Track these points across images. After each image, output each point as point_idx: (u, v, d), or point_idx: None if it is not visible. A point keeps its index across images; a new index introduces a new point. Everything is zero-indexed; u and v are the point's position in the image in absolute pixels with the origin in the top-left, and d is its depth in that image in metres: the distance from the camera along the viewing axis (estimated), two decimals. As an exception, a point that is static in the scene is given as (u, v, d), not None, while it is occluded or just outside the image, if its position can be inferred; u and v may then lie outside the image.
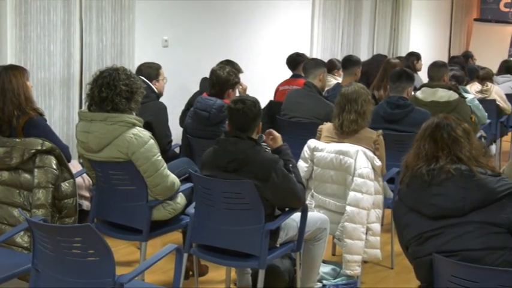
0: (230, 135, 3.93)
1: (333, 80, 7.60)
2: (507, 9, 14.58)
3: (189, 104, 6.06)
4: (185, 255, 4.07)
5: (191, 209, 4.20)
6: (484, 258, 2.81)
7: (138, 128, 4.20)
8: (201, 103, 5.20)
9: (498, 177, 2.92)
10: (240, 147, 3.86)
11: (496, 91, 8.43)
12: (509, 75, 9.18)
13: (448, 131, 3.02)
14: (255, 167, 3.83)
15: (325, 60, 7.97)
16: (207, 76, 5.49)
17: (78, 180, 4.97)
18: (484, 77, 8.57)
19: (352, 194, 4.61)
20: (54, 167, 4.13)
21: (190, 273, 4.80)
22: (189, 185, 4.48)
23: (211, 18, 7.60)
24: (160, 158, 4.25)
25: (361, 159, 4.62)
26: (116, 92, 4.16)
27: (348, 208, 4.61)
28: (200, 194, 4.08)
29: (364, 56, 10.28)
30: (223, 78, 5.23)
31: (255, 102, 3.97)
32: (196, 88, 6.52)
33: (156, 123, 5.26)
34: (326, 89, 6.79)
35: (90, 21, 6.16)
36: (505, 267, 2.80)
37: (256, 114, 3.96)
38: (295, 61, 7.40)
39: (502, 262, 2.82)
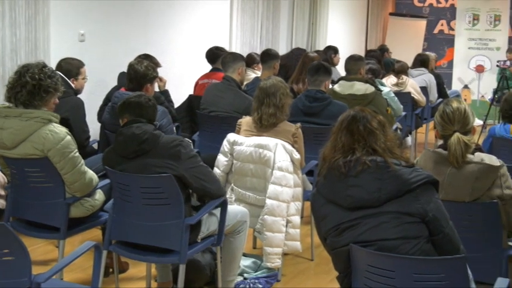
0: (131, 124, 3.98)
1: (252, 74, 7.63)
2: (421, 4, 14.93)
3: (107, 99, 5.98)
4: (104, 252, 4.03)
5: (110, 206, 4.16)
6: (399, 248, 2.87)
7: (54, 124, 4.13)
8: (119, 98, 5.13)
9: (412, 168, 2.98)
10: (145, 128, 3.93)
11: (411, 84, 8.63)
12: (423, 69, 9.41)
13: (363, 123, 3.06)
14: (163, 145, 3.89)
15: (245, 54, 7.99)
16: (125, 71, 5.42)
17: (-8, 178, 4.85)
18: (400, 70, 8.77)
19: (271, 187, 4.64)
20: (-33, 165, 4.02)
21: (111, 270, 4.75)
22: (107, 181, 4.42)
23: (129, 12, 7.51)
24: (77, 154, 4.19)
25: (280, 152, 4.66)
26: (21, 82, 4.08)
27: (268, 201, 4.65)
28: (118, 190, 4.04)
29: (282, 49, 10.36)
30: (141, 72, 5.18)
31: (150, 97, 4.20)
32: (114, 83, 6.43)
33: (73, 119, 5.15)
34: (245, 82, 6.81)
35: (3, 14, 5.99)
36: (420, 256, 2.87)
37: (154, 105, 4.13)
38: (214, 55, 7.39)
39: (417, 251, 2.88)
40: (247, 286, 4.73)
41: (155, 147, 3.89)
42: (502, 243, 3.64)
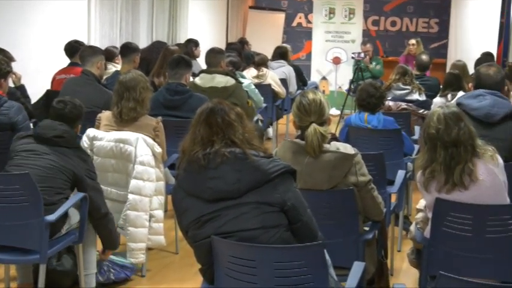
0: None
1: (112, 68, 7.51)
2: (279, -3, 15.22)
3: (-42, 96, 5.72)
4: (-43, 256, 3.87)
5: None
6: (260, 237, 2.92)
7: None
8: (-29, 94, 4.95)
9: (270, 158, 3.04)
10: (65, 126, 4.17)
11: (271, 76, 8.79)
12: (282, 61, 9.61)
13: (221, 115, 3.08)
14: (75, 149, 4.17)
15: (104, 47, 7.85)
16: (-24, 66, 5.20)
17: None
18: (260, 62, 8.90)
19: (133, 182, 4.61)
20: None
21: (-34, 274, 4.56)
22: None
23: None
24: None
25: (142, 146, 4.63)
26: None
27: (130, 196, 4.62)
28: (-28, 190, 3.88)
29: (143, 43, 10.24)
30: (-6, 67, 5.00)
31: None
32: (-34, 78, 6.15)
33: None
34: (105, 77, 6.70)
35: None
36: (280, 244, 2.94)
37: (78, 115, 4.31)
38: (73, 48, 7.22)
39: (277, 239, 2.95)
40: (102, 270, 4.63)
41: (68, 145, 4.10)
42: (359, 228, 3.79)
